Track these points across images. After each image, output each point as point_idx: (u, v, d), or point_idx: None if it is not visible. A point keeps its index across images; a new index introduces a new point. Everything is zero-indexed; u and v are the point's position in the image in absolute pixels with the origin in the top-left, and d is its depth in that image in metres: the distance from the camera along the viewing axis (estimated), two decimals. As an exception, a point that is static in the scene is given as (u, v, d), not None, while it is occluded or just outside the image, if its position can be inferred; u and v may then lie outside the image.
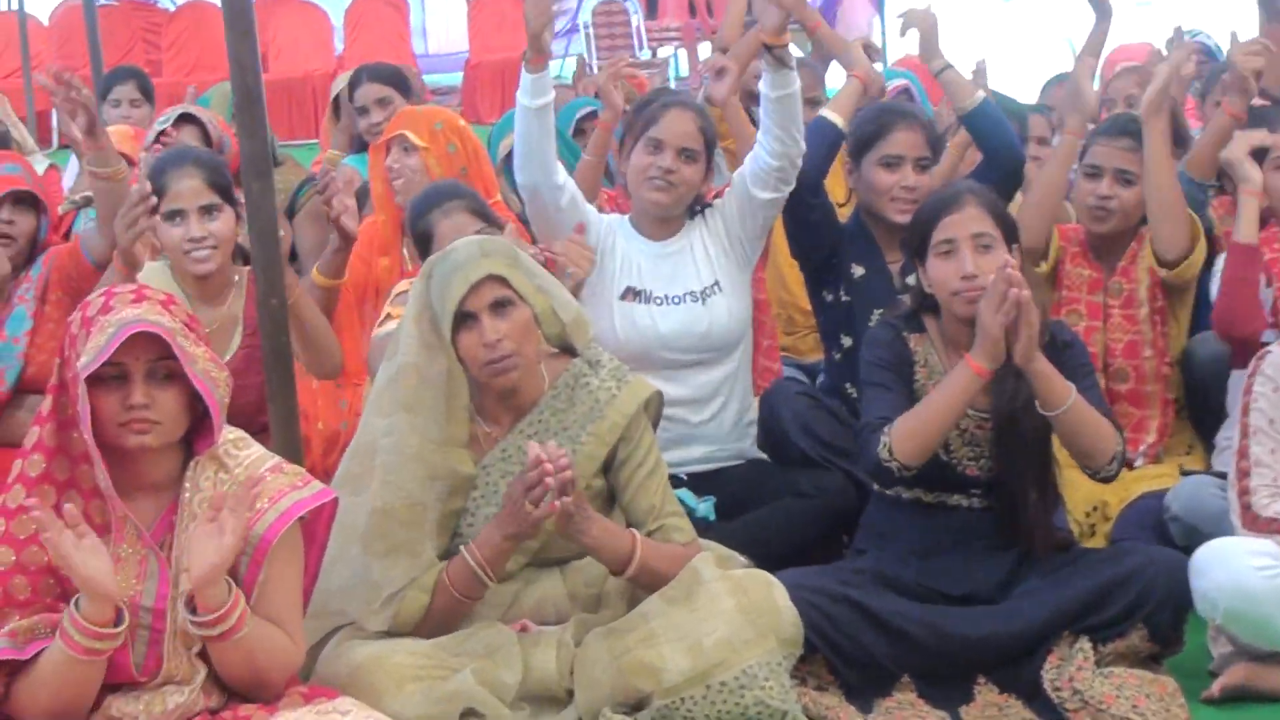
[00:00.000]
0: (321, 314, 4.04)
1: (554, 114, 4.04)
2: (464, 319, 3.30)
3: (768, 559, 3.63)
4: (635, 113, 4.26)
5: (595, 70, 6.51)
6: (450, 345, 3.31)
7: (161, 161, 4.13)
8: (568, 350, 3.49)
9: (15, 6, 8.87)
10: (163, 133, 5.36)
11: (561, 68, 13.59)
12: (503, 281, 3.31)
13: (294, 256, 5.72)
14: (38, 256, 4.51)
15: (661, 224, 4.20)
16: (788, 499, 3.99)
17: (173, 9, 14.84)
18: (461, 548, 3.32)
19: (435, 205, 4.06)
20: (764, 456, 4.22)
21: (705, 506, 3.97)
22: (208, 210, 4.03)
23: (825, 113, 4.37)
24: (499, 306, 3.30)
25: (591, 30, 15.09)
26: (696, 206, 4.22)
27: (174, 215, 4.02)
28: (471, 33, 15.06)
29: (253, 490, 2.87)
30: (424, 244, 4.04)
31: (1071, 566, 3.60)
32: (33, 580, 2.88)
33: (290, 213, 5.66)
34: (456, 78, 14.62)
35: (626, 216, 4.29)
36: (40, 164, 5.89)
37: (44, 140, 8.57)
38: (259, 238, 3.54)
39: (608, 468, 3.44)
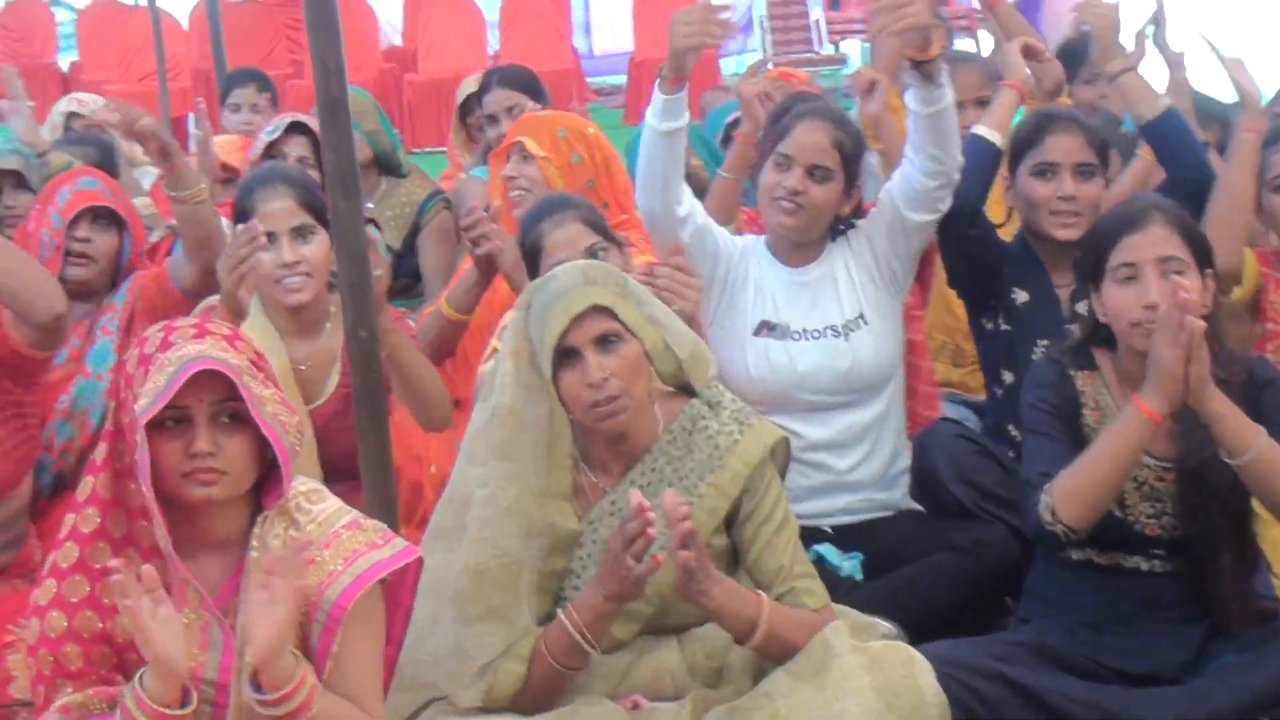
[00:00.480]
0: (425, 361, 3.88)
1: (685, 139, 3.78)
2: (566, 355, 3.10)
3: (918, 623, 3.39)
4: (770, 123, 3.99)
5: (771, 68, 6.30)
6: (551, 385, 3.08)
7: (249, 181, 3.98)
8: (685, 390, 3.25)
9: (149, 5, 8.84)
10: (272, 144, 5.18)
11: (737, 65, 13.32)
12: (609, 313, 3.10)
13: (418, 278, 5.55)
14: (123, 281, 4.40)
15: (797, 249, 3.94)
16: (941, 554, 3.70)
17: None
18: (559, 611, 3.10)
19: (546, 215, 3.87)
20: (918, 507, 3.93)
21: (851, 564, 3.70)
22: (300, 233, 3.89)
23: (979, 129, 4.07)
24: (605, 341, 3.09)
25: (767, 24, 14.77)
26: (839, 226, 3.92)
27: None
28: (637, 28, 14.80)
29: (303, 553, 2.71)
30: (533, 260, 3.86)
31: (1274, 642, 3.25)
32: (86, 649, 2.75)
33: (415, 230, 5.47)
34: (621, 79, 14.39)
35: (763, 239, 4.01)
36: (149, 177, 5.77)
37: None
38: (346, 261, 3.37)
39: (730, 523, 3.19)
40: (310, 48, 3.24)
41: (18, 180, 4.73)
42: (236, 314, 3.75)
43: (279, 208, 3.85)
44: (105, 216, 4.34)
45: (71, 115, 6.09)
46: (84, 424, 4.18)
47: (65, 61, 14.66)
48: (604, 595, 3.04)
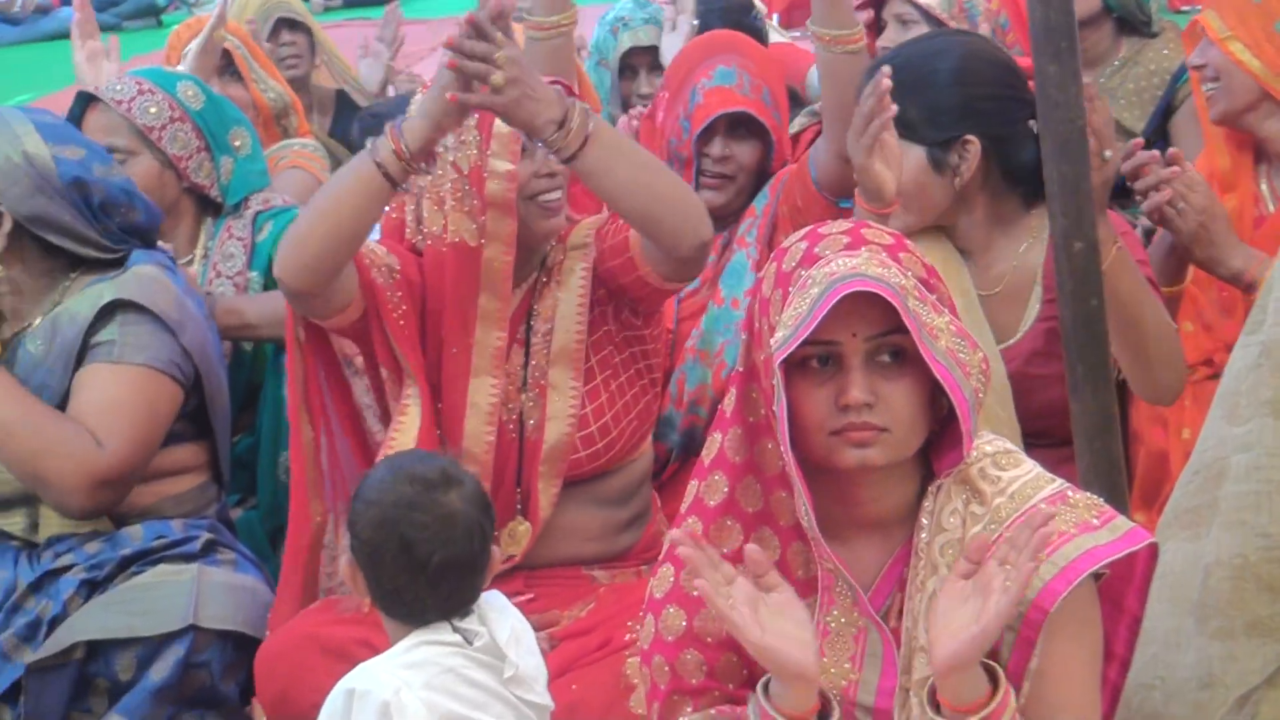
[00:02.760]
0: (1153, 298, 3.58)
1: None
2: None
3: None
4: None
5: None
6: None
7: None
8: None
9: None
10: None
11: None
12: None
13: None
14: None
15: None
16: None
17: None
18: None
19: None
20: None
21: None
22: None
23: None
24: None
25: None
26: None
27: None
28: None
29: (1041, 530, 2.47)
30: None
31: None
32: (709, 658, 2.69)
33: (1166, 109, 5.20)
34: None
35: None
36: None
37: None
38: (1060, 148, 3.19)
39: None
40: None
41: None
42: (875, 197, 3.55)
43: None
44: (745, 124, 4.32)
45: None
46: (717, 365, 4.17)
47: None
48: None
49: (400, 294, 3.68)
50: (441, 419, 3.69)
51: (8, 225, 3.87)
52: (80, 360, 3.88)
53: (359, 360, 3.81)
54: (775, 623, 2.49)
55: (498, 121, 3.55)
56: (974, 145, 3.57)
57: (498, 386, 3.68)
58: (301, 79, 6.64)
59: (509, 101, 3.37)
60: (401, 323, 3.67)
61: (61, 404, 3.86)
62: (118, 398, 3.84)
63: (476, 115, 3.57)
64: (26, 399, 3.82)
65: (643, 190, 3.51)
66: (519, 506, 3.71)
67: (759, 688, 2.55)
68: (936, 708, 2.50)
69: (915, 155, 3.60)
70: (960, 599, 2.47)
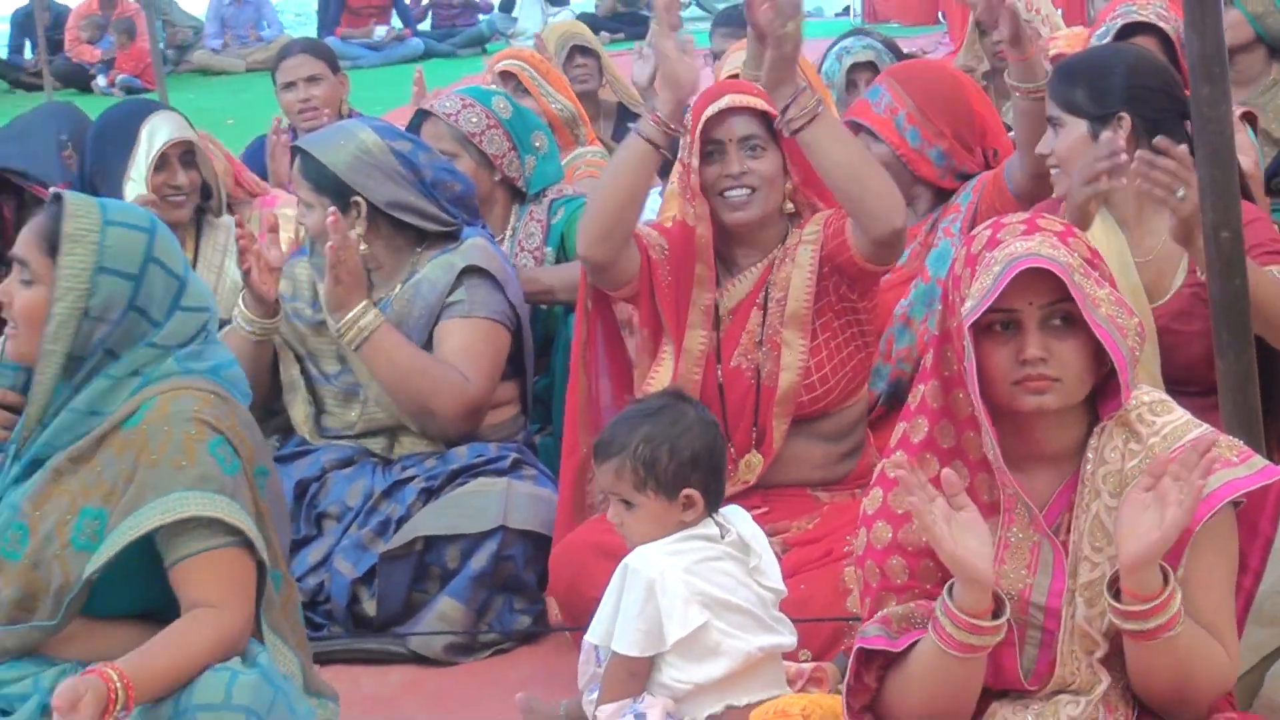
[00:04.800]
0: None
1: None
2: None
3: None
4: None
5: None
6: None
7: None
8: None
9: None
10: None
11: None
12: None
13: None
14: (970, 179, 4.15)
15: None
16: None
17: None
18: None
19: None
20: None
21: None
22: None
23: None
24: None
25: None
26: None
27: None
28: None
29: (1207, 453, 2.39)
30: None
31: None
32: (910, 563, 2.61)
33: None
34: None
35: None
36: None
37: None
38: (1208, 157, 2.99)
39: None
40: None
41: None
42: (1081, 225, 3.38)
43: None
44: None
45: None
46: (921, 331, 4.02)
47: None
48: None
49: (669, 267, 3.68)
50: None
51: (364, 210, 3.94)
52: (438, 317, 3.96)
53: (635, 321, 3.79)
54: (963, 537, 2.42)
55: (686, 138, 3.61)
56: (1126, 120, 3.44)
57: (705, 338, 3.66)
58: (590, 93, 6.65)
59: (786, 54, 3.42)
60: (667, 290, 3.66)
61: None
62: (473, 344, 3.94)
63: (692, 122, 3.60)
64: (412, 348, 3.91)
65: (852, 172, 3.47)
66: (754, 441, 3.67)
67: (945, 590, 2.48)
68: (1116, 595, 2.42)
69: (1078, 128, 3.51)
70: (1141, 508, 2.39)
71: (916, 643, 2.53)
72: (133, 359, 2.84)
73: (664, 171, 4.39)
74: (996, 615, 2.45)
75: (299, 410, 4.10)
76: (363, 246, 3.94)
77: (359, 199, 3.93)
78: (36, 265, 2.84)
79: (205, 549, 2.76)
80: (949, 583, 2.47)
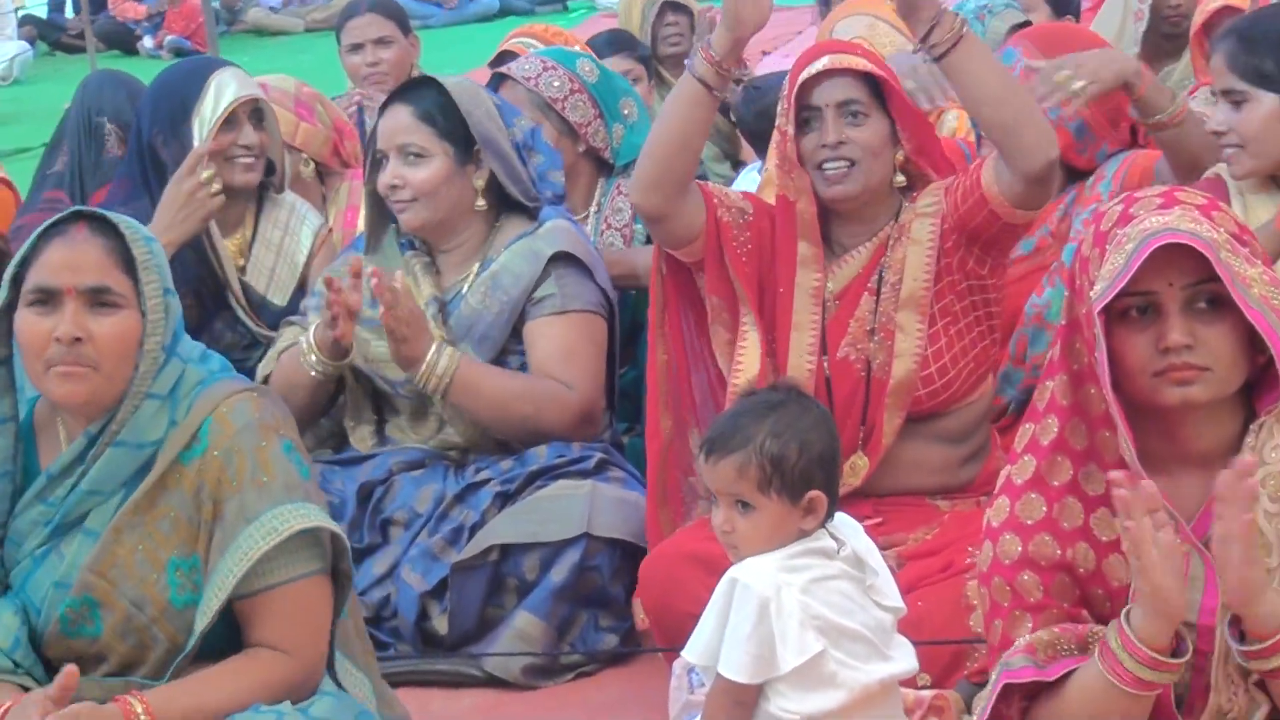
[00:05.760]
0: None
1: None
2: None
3: None
4: None
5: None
6: None
7: None
8: None
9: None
10: None
11: None
12: None
13: None
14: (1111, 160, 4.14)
15: None
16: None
17: None
18: None
19: None
20: None
21: None
22: None
23: None
24: None
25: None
26: None
27: None
28: None
29: None
30: None
31: None
32: (1044, 579, 2.60)
33: None
34: None
35: None
36: None
37: None
38: None
39: None
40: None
41: None
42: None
43: None
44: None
45: None
46: None
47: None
48: None
49: (748, 234, 3.69)
50: (774, 352, 3.68)
51: (489, 165, 3.99)
52: (523, 314, 4.00)
53: (704, 287, 3.77)
54: (1166, 563, 2.39)
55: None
56: None
57: (816, 324, 3.66)
58: (683, 54, 6.64)
59: None
60: (743, 259, 3.68)
61: (500, 353, 3.99)
62: (571, 344, 3.98)
63: (788, 86, 3.60)
64: (501, 375, 3.96)
65: (1005, 99, 3.48)
66: (860, 442, 3.65)
67: (1122, 617, 2.46)
68: (1238, 634, 2.41)
69: (1268, 102, 3.50)
70: (1239, 533, 2.35)
71: (1071, 672, 2.51)
72: (164, 379, 2.84)
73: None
74: (1177, 653, 2.43)
75: (363, 434, 4.14)
76: (480, 202, 4.01)
77: (483, 152, 3.99)
78: (120, 287, 2.80)
79: (284, 582, 2.79)
80: (1126, 609, 2.46)
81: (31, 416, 2.95)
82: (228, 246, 4.45)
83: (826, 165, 3.61)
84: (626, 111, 4.63)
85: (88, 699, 2.71)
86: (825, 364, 3.67)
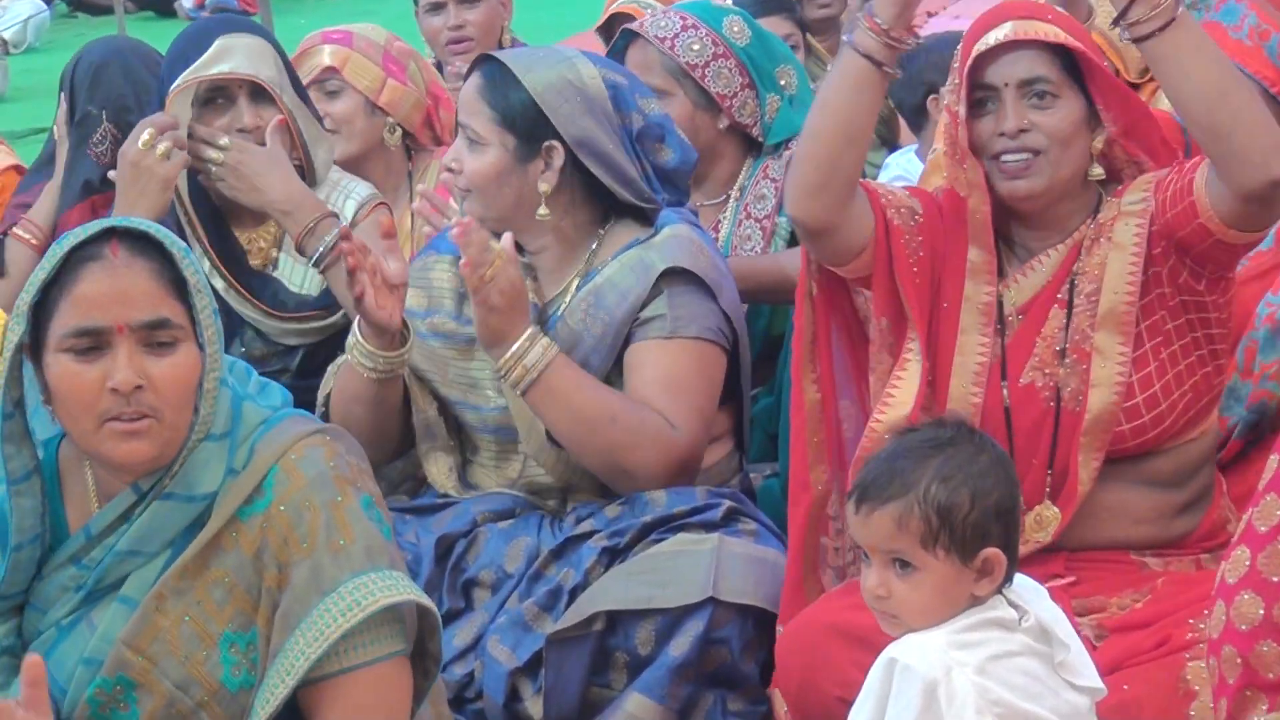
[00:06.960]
0: None
1: None
2: None
3: None
4: None
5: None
6: None
7: None
8: None
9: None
10: None
11: None
12: None
13: None
14: None
15: None
16: None
17: None
18: None
19: None
20: None
21: None
22: None
23: None
24: None
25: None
26: None
27: None
28: None
29: None
30: None
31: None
32: None
33: None
34: None
35: None
36: None
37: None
38: None
39: None
40: None
41: None
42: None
43: None
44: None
45: None
46: None
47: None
48: None
49: (920, 239, 3.62)
50: (934, 380, 3.60)
51: (561, 158, 3.88)
52: (628, 337, 3.91)
53: (870, 308, 3.69)
54: None
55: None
56: None
57: (986, 346, 3.58)
58: (834, 18, 6.50)
59: None
60: (915, 269, 3.60)
61: (604, 380, 3.90)
62: (679, 375, 3.87)
63: (960, 58, 3.53)
64: (598, 389, 3.86)
65: (1217, 95, 3.37)
66: (1048, 489, 3.56)
67: None
68: None
69: None
70: None
71: None
72: (219, 417, 2.80)
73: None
74: None
75: (439, 464, 4.09)
76: (542, 210, 3.90)
77: (555, 144, 3.89)
78: (177, 318, 2.74)
79: (361, 664, 2.75)
80: None
81: (56, 463, 2.89)
82: (259, 238, 4.48)
83: (1005, 157, 3.52)
84: (784, 81, 4.55)
85: None
86: (1005, 391, 3.58)
